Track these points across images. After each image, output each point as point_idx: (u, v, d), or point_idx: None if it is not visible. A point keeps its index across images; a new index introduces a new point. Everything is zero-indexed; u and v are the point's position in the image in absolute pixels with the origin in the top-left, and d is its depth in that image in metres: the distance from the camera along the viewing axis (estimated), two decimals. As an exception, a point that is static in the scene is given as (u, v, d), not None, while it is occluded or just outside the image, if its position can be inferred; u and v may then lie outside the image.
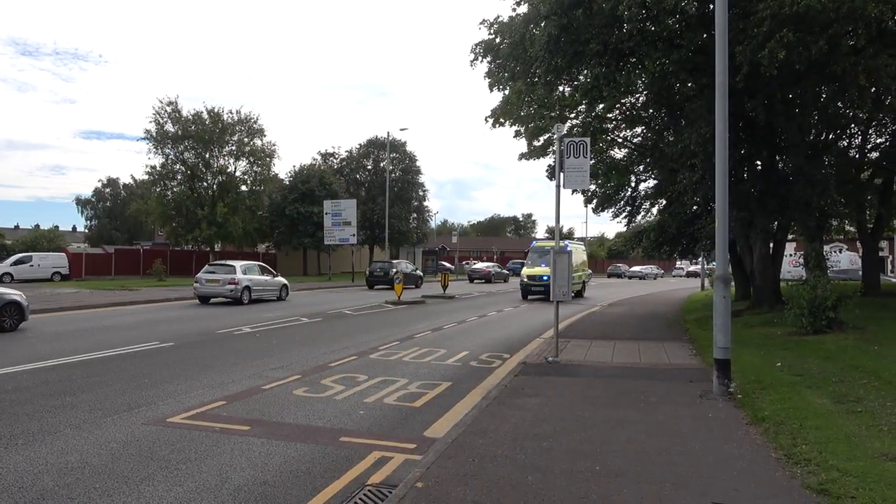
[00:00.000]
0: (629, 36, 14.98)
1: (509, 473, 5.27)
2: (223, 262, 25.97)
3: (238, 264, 24.70)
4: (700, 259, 41.83)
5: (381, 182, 56.49)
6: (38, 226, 76.16)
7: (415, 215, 62.86)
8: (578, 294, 30.29)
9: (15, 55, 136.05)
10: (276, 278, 26.73)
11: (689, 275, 70.05)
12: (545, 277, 25.45)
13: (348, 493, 5.09)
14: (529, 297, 28.70)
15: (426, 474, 5.20)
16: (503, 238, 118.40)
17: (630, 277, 67.82)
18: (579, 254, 32.00)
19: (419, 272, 42.33)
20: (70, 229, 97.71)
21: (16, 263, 38.09)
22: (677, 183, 17.72)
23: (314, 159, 63.37)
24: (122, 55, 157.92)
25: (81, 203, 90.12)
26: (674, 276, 77.06)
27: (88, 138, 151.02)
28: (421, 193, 63.49)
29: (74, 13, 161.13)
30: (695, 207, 20.85)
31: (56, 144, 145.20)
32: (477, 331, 16.49)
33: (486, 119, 24.00)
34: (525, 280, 29.09)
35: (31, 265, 38.37)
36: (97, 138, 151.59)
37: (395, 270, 35.06)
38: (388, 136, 54.37)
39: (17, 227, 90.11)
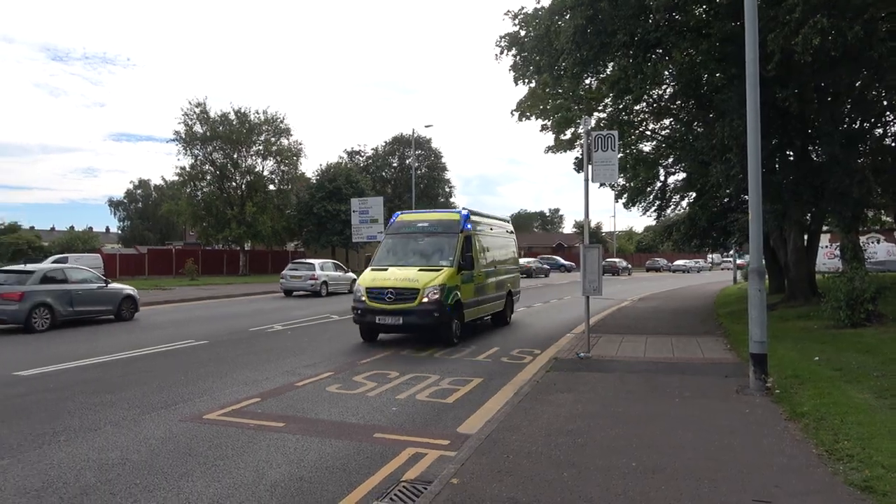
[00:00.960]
0: (656, 26, 14.77)
1: (544, 470, 5.25)
2: (304, 260, 29.81)
3: (317, 262, 28.26)
4: (731, 252, 41.16)
5: (406, 179, 56.67)
6: (72, 227, 77.81)
7: (441, 212, 62.84)
8: (499, 316, 16.42)
9: (46, 60, 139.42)
10: (346, 273, 29.65)
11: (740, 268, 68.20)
12: (416, 292, 12.39)
13: (384, 489, 5.11)
14: (381, 333, 13.66)
15: (461, 470, 5.20)
16: (530, 233, 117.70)
17: (674, 271, 69.17)
18: (497, 239, 16.67)
19: None
20: (104, 230, 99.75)
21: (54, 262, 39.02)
22: (708, 176, 17.43)
23: (340, 157, 63.86)
24: (150, 58, 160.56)
25: (114, 204, 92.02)
26: (721, 269, 75.89)
27: (119, 140, 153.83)
28: (447, 190, 63.60)
29: (102, 18, 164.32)
30: (726, 200, 20.49)
31: (88, 147, 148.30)
32: (507, 327, 16.43)
33: (511, 112, 23.91)
34: (363, 298, 12.87)
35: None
36: (127, 140, 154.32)
37: None
38: (414, 133, 54.43)
39: (52, 228, 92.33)
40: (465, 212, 14.53)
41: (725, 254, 58.06)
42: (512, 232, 18.71)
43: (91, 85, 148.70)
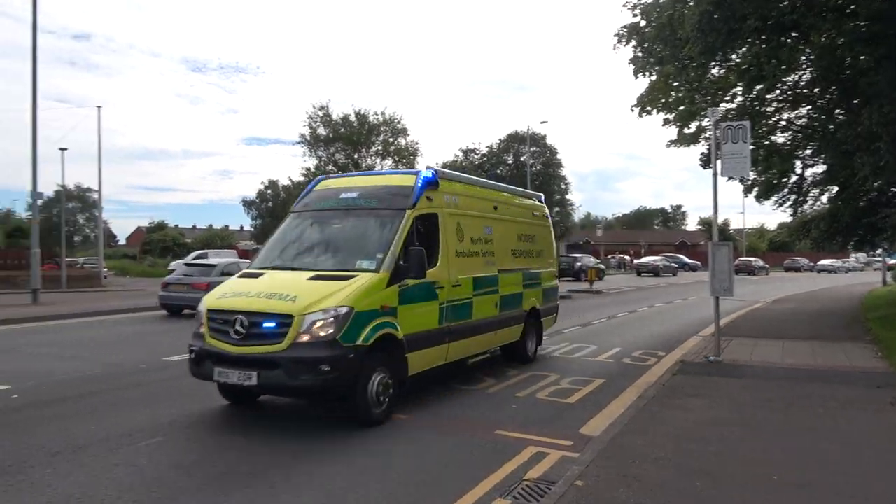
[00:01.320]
0: (792, 8, 13.73)
1: (674, 477, 5.04)
2: None
3: None
4: (880, 251, 37.40)
5: (521, 176, 56.23)
6: (211, 226, 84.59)
7: (557, 209, 61.91)
8: (514, 349, 10.33)
9: (187, 72, 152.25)
10: None
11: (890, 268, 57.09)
12: (287, 322, 6.32)
13: (506, 486, 5.11)
14: (258, 394, 7.50)
15: (585, 473, 5.10)
16: (650, 231, 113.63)
17: (818, 271, 65.58)
18: (509, 224, 10.21)
19: (601, 265, 44.08)
20: (238, 228, 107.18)
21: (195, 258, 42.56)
22: (853, 167, 15.97)
23: (456, 156, 64.38)
24: (278, 65, 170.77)
25: (247, 204, 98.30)
26: (874, 269, 69.14)
27: (250, 144, 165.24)
28: (563, 186, 62.47)
29: (235, 30, 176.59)
30: (874, 194, 18.67)
31: (223, 151, 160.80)
32: (628, 326, 15.96)
33: (631, 108, 23.02)
34: (202, 330, 6.88)
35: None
36: (258, 144, 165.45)
37: (578, 264, 38.96)
38: (528, 129, 54.02)
39: (194, 227, 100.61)
40: (429, 174, 8.09)
41: (871, 253, 52.74)
42: (547, 217, 12.14)
43: (226, 93, 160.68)
